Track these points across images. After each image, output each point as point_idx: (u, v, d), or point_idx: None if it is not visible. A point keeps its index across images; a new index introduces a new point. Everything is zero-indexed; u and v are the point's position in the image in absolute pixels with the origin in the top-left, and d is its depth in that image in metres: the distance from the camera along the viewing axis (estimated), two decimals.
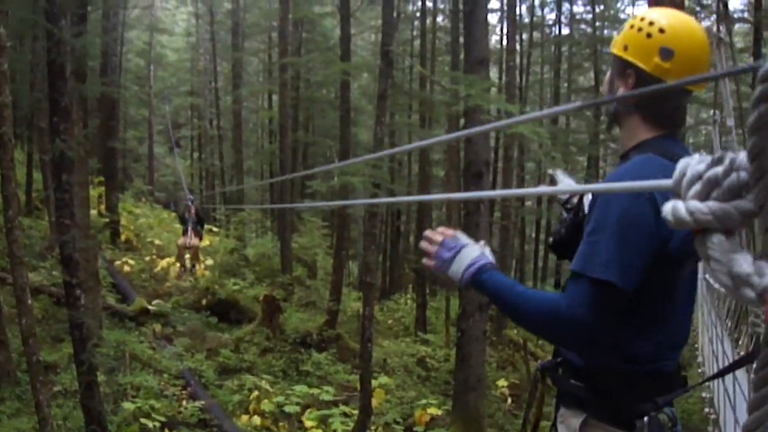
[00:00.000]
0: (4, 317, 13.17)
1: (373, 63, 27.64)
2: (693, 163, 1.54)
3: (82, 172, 15.17)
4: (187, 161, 46.61)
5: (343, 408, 13.81)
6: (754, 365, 1.41)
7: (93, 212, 20.36)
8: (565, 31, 35.97)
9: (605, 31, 34.22)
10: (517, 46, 33.08)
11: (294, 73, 28.70)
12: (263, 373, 15.88)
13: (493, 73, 31.74)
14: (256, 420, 13.44)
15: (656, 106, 3.18)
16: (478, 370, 14.19)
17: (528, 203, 33.93)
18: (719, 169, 1.47)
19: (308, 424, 12.72)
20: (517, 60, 32.33)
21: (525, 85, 34.56)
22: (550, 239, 3.75)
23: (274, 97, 35.19)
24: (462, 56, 18.96)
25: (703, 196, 1.50)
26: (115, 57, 26.88)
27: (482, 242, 3.34)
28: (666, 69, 3.04)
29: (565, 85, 35.54)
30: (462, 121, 19.71)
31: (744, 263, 1.39)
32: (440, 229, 3.40)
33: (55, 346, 14.66)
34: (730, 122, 5.89)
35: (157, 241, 23.88)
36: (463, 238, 3.29)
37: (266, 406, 13.48)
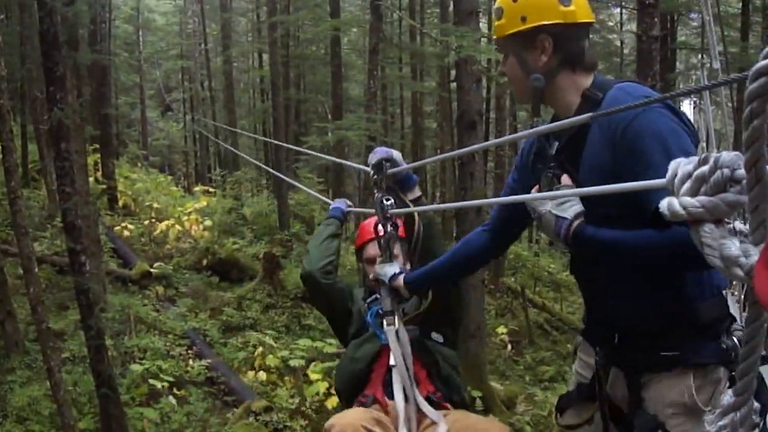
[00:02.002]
0: (9, 288, 13.32)
1: (362, 18, 27.63)
2: (683, 164, 1.80)
3: (79, 140, 15.28)
4: (180, 124, 46.52)
5: None
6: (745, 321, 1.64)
7: (90, 179, 20.43)
8: None
9: None
10: None
11: (283, 31, 28.64)
12: (267, 329, 16.02)
13: (483, 23, 31.68)
14: (262, 375, 13.61)
15: (578, 52, 3.25)
16: (477, 317, 14.34)
17: None
18: (705, 168, 1.73)
19: (313, 377, 12.85)
20: None
21: None
22: None
23: (265, 56, 35.06)
24: (451, 8, 18.98)
25: (694, 192, 1.76)
26: (104, 24, 26.83)
27: (557, 187, 3.27)
28: (572, 10, 3.17)
29: None
30: (453, 73, 19.77)
31: (732, 247, 1.65)
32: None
33: (61, 314, 14.82)
34: (717, 65, 5.99)
35: (155, 205, 23.91)
36: (533, 204, 3.27)
37: (271, 361, 13.62)
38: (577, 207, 3.04)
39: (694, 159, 1.80)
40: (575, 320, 20.17)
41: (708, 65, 6.41)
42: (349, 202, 5.68)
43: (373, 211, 4.67)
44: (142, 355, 13.86)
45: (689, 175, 1.78)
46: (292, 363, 13.35)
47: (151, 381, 12.56)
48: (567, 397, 3.78)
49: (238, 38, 42.43)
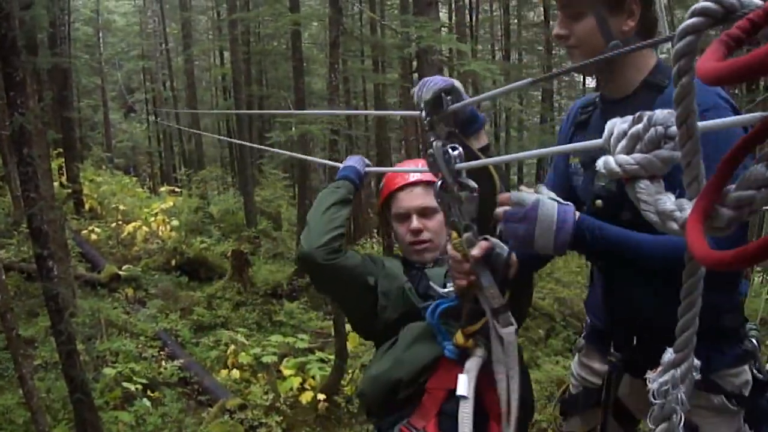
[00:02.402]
0: None
1: (322, 12, 27.57)
2: (618, 123, 1.84)
3: (42, 145, 15.19)
4: (143, 125, 46.36)
5: (319, 354, 13.99)
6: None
7: (55, 184, 20.33)
8: None
9: None
10: None
11: (244, 28, 28.64)
12: (238, 326, 16.02)
13: (443, 13, 31.71)
14: (236, 373, 13.62)
15: (654, 23, 3.05)
16: None
17: None
18: (640, 126, 1.79)
19: (286, 372, 12.88)
20: None
21: (475, 23, 34.51)
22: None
23: (226, 54, 35.05)
24: None
25: (629, 150, 1.81)
26: (64, 27, 26.64)
27: (540, 186, 2.90)
28: None
29: (515, 21, 35.55)
30: (414, 64, 19.80)
31: (668, 202, 1.69)
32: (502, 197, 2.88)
33: (30, 321, 14.74)
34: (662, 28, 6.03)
35: (121, 207, 23.83)
36: (523, 197, 2.77)
37: (244, 358, 13.64)
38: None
39: (629, 118, 1.84)
40: (545, 306, 20.23)
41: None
42: (368, 161, 4.40)
43: (412, 168, 3.95)
44: (114, 359, 13.82)
45: (624, 134, 1.84)
46: (264, 360, 13.37)
47: (124, 384, 12.54)
48: (571, 402, 3.75)
49: (198, 37, 42.30)
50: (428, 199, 3.84)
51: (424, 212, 3.93)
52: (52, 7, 20.67)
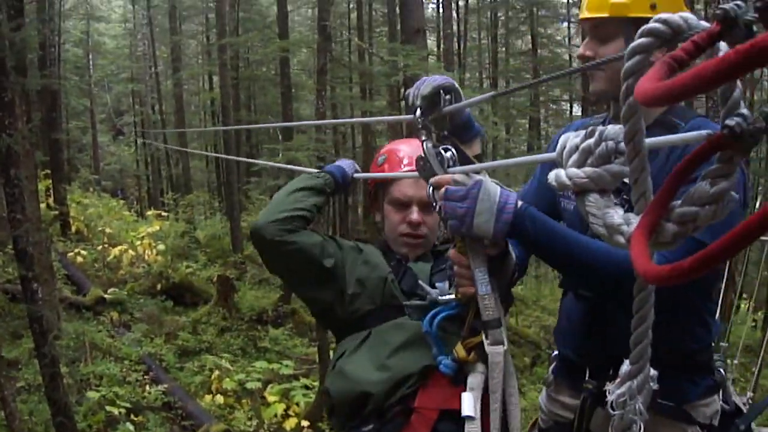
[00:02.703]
0: None
1: (311, 38, 27.68)
2: (571, 137, 1.86)
3: (29, 166, 15.16)
4: (132, 148, 46.34)
5: (303, 381, 13.96)
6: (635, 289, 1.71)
7: (42, 205, 20.30)
8: None
9: None
10: (454, 14, 33.14)
11: (233, 53, 28.73)
12: (222, 352, 15.99)
13: (431, 41, 31.85)
14: (220, 399, 13.58)
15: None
16: None
17: None
18: (591, 141, 1.81)
19: (271, 398, 12.86)
20: (455, 27, 32.44)
21: (463, 51, 34.66)
22: None
23: (215, 78, 35.03)
24: (399, 27, 19.12)
25: (580, 164, 1.83)
26: (54, 48, 26.66)
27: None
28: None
29: (503, 49, 35.70)
30: (402, 91, 19.87)
31: (615, 215, 1.72)
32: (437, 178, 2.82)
33: (14, 343, 14.66)
34: None
35: (108, 230, 23.71)
36: (465, 178, 2.71)
37: (228, 384, 13.61)
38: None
39: (582, 132, 1.86)
40: (531, 333, 20.26)
41: None
42: (358, 167, 4.03)
43: (405, 173, 3.59)
44: (98, 382, 13.76)
45: (576, 148, 1.87)
46: (249, 386, 13.33)
47: (108, 408, 12.47)
48: None
49: (188, 60, 42.42)
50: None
51: (427, 206, 3.42)
52: (43, 29, 20.70)
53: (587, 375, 3.25)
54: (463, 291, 3.03)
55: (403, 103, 19.64)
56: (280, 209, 3.48)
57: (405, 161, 3.67)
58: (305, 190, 3.59)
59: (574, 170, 1.84)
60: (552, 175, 1.90)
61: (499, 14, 34.82)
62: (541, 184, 3.46)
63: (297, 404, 12.85)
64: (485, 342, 2.98)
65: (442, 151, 2.89)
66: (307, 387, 13.42)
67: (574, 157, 1.85)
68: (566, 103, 37.72)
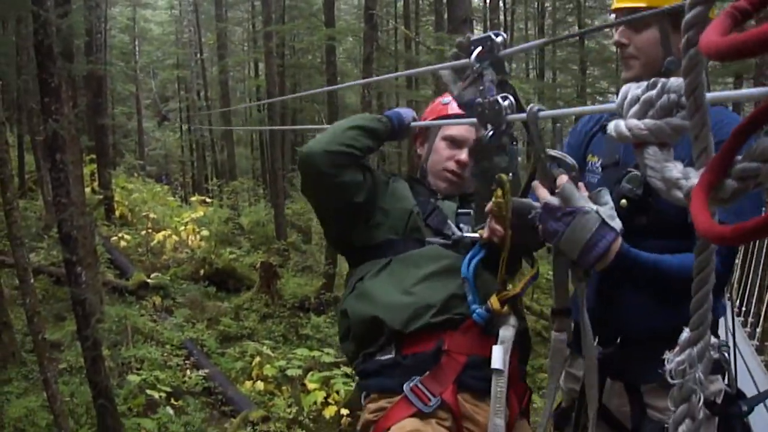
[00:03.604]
0: (5, 299, 13.30)
1: (357, 27, 27.68)
2: (632, 88, 1.81)
3: (74, 151, 15.24)
4: (177, 134, 46.57)
5: (344, 369, 13.92)
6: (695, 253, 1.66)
7: (87, 190, 20.43)
8: None
9: None
10: (501, 3, 33.04)
11: (279, 41, 28.74)
12: (264, 338, 16.02)
13: (478, 31, 31.70)
14: (260, 385, 13.59)
15: None
16: None
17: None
18: (653, 93, 1.75)
19: (311, 386, 12.83)
20: (501, 17, 32.34)
21: (510, 42, 34.54)
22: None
23: (260, 66, 35.22)
24: (446, 16, 19.02)
25: (641, 115, 1.79)
26: (100, 34, 26.86)
27: (602, 192, 2.71)
28: None
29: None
30: None
31: (674, 170, 1.67)
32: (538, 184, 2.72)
33: (57, 325, 14.79)
34: None
35: (152, 215, 23.85)
36: (571, 195, 2.61)
37: (269, 370, 13.61)
38: (619, 221, 2.70)
39: (643, 84, 1.82)
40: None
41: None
42: (416, 115, 3.87)
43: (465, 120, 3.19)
44: (139, 366, 13.83)
45: (637, 99, 1.82)
46: (289, 372, 13.33)
47: (148, 391, 12.54)
48: (564, 415, 3.66)
49: (233, 48, 42.57)
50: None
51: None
52: (89, 15, 20.82)
53: (596, 343, 3.20)
54: (493, 230, 2.94)
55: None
56: (337, 141, 3.42)
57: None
58: (364, 129, 3.53)
59: (634, 121, 1.79)
60: (612, 126, 1.85)
61: (546, 4, 34.75)
62: (571, 147, 3.52)
63: (337, 392, 12.82)
64: (552, 330, 3.00)
65: (501, 99, 2.72)
66: (347, 375, 13.38)
67: (635, 108, 1.80)
68: (613, 95, 37.50)
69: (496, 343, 3.06)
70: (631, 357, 3.18)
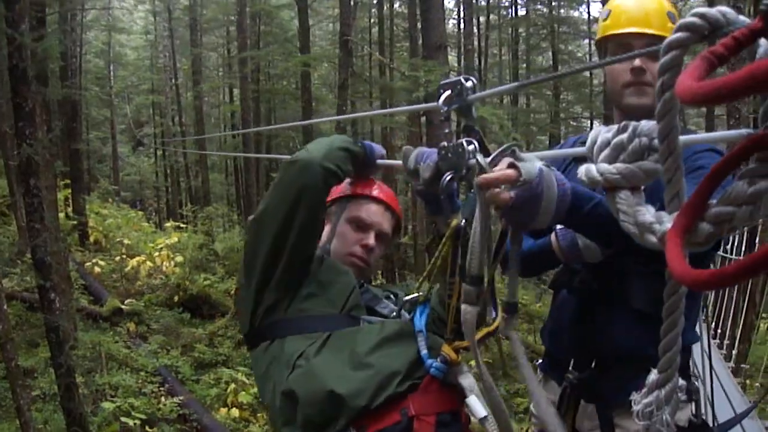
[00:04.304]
0: None
1: (332, 53, 27.76)
2: (602, 132, 1.81)
3: (48, 176, 15.21)
4: (152, 159, 46.53)
5: None
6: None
7: (61, 215, 20.35)
8: (522, 12, 36.17)
9: (561, 11, 34.41)
10: (475, 30, 33.23)
11: (254, 66, 28.79)
12: (239, 365, 15.95)
13: (452, 57, 31.88)
14: (235, 412, 13.55)
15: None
16: None
17: None
18: (624, 136, 1.75)
19: None
20: (476, 43, 32.53)
21: (484, 67, 34.74)
22: None
23: (235, 91, 35.20)
24: (420, 42, 19.10)
25: (612, 160, 1.78)
26: (75, 59, 26.82)
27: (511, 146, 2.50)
28: None
29: (524, 65, 35.74)
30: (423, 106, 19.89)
31: (647, 214, 1.67)
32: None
33: (31, 351, 14.71)
34: None
35: (126, 241, 23.77)
36: (529, 169, 2.32)
37: (244, 397, 13.58)
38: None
39: (614, 127, 1.81)
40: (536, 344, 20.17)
41: None
42: (384, 153, 3.66)
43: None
44: (113, 393, 13.76)
45: (608, 143, 1.82)
46: None
47: (122, 419, 12.46)
48: None
49: (208, 73, 42.61)
50: (388, 226, 3.59)
51: (382, 237, 3.56)
52: (65, 39, 20.80)
53: (570, 367, 3.30)
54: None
55: (423, 119, 19.60)
56: (331, 158, 3.16)
57: (375, 190, 3.61)
58: (348, 152, 3.26)
59: (605, 166, 1.79)
60: (582, 170, 1.84)
61: (520, 30, 34.91)
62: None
63: None
64: (502, 327, 2.76)
65: (465, 143, 2.61)
66: None
67: (606, 152, 1.80)
68: (587, 120, 37.74)
69: (455, 395, 2.92)
70: (604, 379, 3.18)
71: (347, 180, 3.49)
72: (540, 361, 3.73)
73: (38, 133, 10.44)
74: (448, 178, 2.66)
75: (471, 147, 2.59)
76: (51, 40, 15.12)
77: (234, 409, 13.62)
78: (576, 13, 36.25)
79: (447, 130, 2.53)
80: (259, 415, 13.60)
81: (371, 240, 3.48)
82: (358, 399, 2.86)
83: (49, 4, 18.10)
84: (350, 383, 2.88)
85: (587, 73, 33.73)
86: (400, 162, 3.20)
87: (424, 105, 3.13)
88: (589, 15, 34.80)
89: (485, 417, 2.80)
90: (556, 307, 3.54)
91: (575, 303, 3.32)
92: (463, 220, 2.73)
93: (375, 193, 3.56)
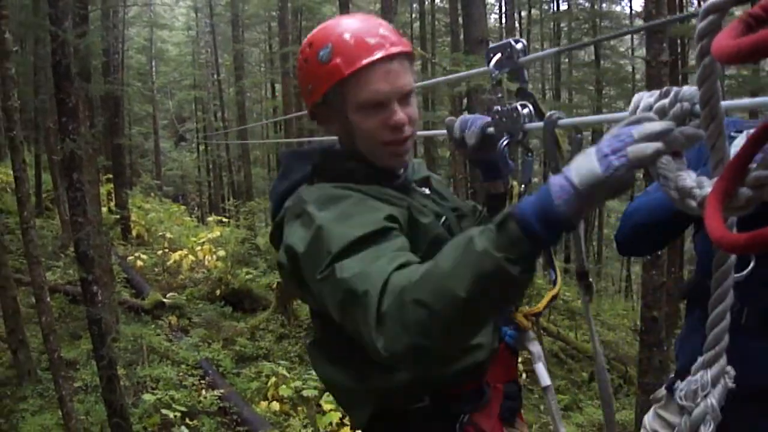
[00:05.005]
0: (21, 317, 13.33)
1: None
2: (645, 96, 1.79)
3: (91, 170, 15.31)
4: (194, 154, 46.72)
5: None
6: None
7: (103, 209, 20.49)
8: (564, 6, 35.95)
9: (603, 5, 34.17)
10: (517, 24, 33.17)
11: (296, 62, 28.74)
12: (280, 359, 15.95)
13: None
14: (275, 405, 13.54)
15: None
16: None
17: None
18: (666, 101, 1.73)
19: (327, 407, 12.78)
20: (517, 37, 32.37)
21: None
22: None
23: (277, 86, 35.28)
24: (462, 36, 19.02)
25: None
26: (117, 55, 27.04)
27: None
28: None
29: (566, 60, 35.52)
30: (465, 101, 19.81)
31: (688, 179, 1.65)
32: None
33: (73, 344, 14.82)
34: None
35: (168, 235, 23.88)
36: None
37: (284, 391, 13.56)
38: None
39: (656, 92, 1.79)
40: (589, 348, 20.00)
41: None
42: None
43: None
44: (154, 385, 13.82)
45: (650, 108, 1.78)
46: (305, 393, 13.28)
47: (163, 411, 12.50)
48: None
49: (250, 68, 42.68)
50: (408, 78, 2.69)
51: (406, 97, 2.68)
52: (107, 36, 20.93)
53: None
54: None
55: (465, 113, 19.58)
56: (463, 331, 2.12)
57: (371, 40, 2.63)
58: (503, 292, 2.02)
59: None
60: None
61: (562, 25, 34.71)
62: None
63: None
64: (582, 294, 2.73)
65: (519, 107, 2.59)
66: None
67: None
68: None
69: (515, 363, 2.87)
70: (736, 416, 2.44)
71: (323, 53, 2.66)
72: (672, 375, 3.41)
73: (81, 129, 10.50)
74: (505, 142, 2.65)
75: (526, 111, 2.59)
76: (93, 37, 15.23)
77: (274, 402, 13.61)
78: (618, 8, 36.04)
79: (500, 95, 2.38)
80: (299, 408, 13.60)
81: (398, 115, 2.64)
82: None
83: (92, 1, 18.22)
84: None
85: (629, 68, 33.50)
86: (443, 131, 3.15)
87: (474, 71, 2.82)
88: (631, 9, 34.64)
89: (548, 386, 2.77)
90: (690, 325, 3.23)
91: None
92: (523, 185, 2.71)
93: (364, 59, 2.59)
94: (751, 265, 2.55)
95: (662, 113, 1.75)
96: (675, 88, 1.75)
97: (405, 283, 2.04)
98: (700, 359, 1.74)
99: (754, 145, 1.40)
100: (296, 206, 2.59)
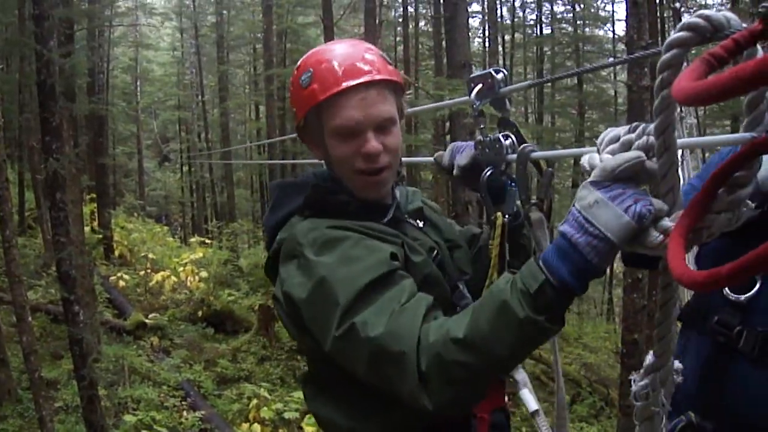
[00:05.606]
0: (2, 336, 13.29)
1: None
2: (614, 129, 1.85)
3: (74, 190, 15.30)
4: (177, 175, 46.69)
5: None
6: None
7: (86, 229, 20.46)
8: (547, 30, 36.08)
9: (586, 30, 34.32)
10: (500, 48, 33.20)
11: (280, 84, 28.84)
12: (261, 381, 15.96)
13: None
14: (256, 427, 13.52)
15: None
16: None
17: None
18: (633, 135, 1.78)
19: (308, 429, 12.78)
20: (500, 61, 32.44)
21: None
22: None
23: (261, 108, 35.31)
24: (445, 60, 19.11)
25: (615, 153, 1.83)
26: (102, 74, 27.06)
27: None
28: None
29: (549, 84, 35.64)
30: (447, 125, 19.87)
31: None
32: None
33: (54, 363, 14.78)
34: (691, 120, 5.93)
35: (151, 255, 23.84)
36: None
37: (266, 413, 13.55)
38: None
39: (626, 126, 1.85)
40: (572, 371, 20.07)
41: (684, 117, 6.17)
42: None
43: None
44: (135, 406, 13.80)
45: (617, 138, 1.84)
46: (286, 415, 13.27)
47: None
48: None
49: (235, 90, 42.77)
50: (387, 106, 2.63)
51: (384, 125, 2.61)
52: (92, 56, 20.97)
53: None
54: None
55: (448, 137, 19.58)
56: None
57: (351, 67, 2.62)
58: (526, 343, 2.13)
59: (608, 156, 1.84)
60: (585, 159, 1.87)
61: (545, 49, 34.82)
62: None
63: None
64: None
65: (502, 138, 2.57)
66: None
67: (613, 146, 1.84)
68: None
69: (502, 390, 2.82)
70: None
71: (304, 78, 2.67)
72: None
73: (65, 148, 10.53)
74: (488, 173, 2.66)
75: (508, 142, 2.59)
76: (79, 57, 15.27)
77: (256, 424, 13.59)
78: (601, 32, 36.16)
79: (482, 126, 2.37)
80: (281, 430, 13.59)
81: (371, 143, 2.58)
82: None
83: (78, 20, 18.24)
84: None
85: (612, 92, 33.66)
86: (429, 158, 3.22)
87: (455, 100, 2.82)
88: (614, 33, 34.72)
89: (537, 410, 2.81)
90: (683, 345, 2.77)
91: (708, 350, 2.62)
92: (506, 216, 2.70)
93: (339, 86, 2.56)
94: (756, 287, 2.43)
95: (628, 146, 1.80)
96: (643, 124, 1.81)
97: (440, 343, 2.09)
98: (649, 361, 1.86)
99: (717, 182, 1.45)
100: (291, 244, 2.54)
